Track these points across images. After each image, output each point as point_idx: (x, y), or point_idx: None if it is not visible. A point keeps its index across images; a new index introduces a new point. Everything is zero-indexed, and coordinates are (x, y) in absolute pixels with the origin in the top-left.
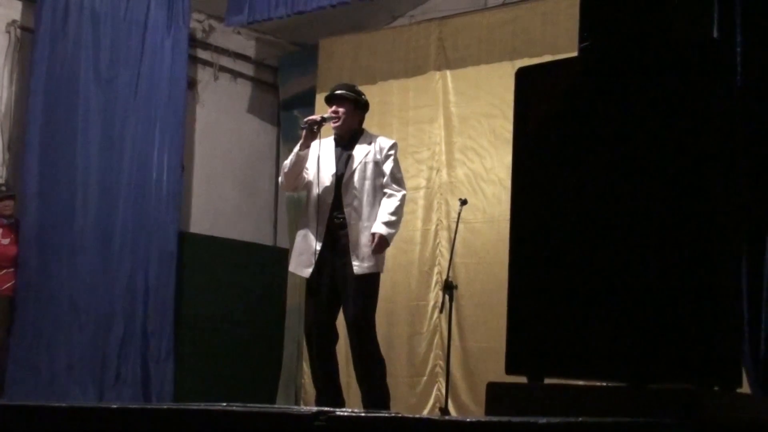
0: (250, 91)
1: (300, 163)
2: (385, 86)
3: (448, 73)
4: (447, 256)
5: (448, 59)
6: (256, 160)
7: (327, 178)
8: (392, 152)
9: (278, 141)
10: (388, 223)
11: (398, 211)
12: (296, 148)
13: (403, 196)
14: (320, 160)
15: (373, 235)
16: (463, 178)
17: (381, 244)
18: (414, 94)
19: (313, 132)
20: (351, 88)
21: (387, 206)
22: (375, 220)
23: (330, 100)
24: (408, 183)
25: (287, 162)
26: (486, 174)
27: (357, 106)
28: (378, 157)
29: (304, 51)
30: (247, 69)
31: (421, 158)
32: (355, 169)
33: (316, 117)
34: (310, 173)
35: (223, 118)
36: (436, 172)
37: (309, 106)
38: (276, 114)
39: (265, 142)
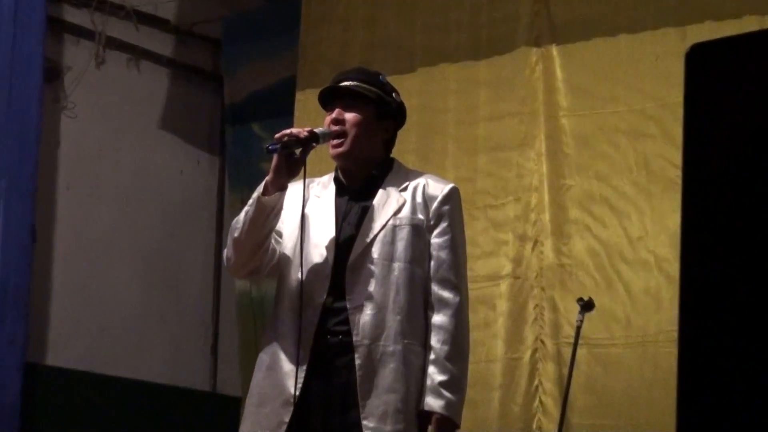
0: (166, 88)
1: (264, 221)
2: (432, 77)
3: (554, 50)
4: (555, 413)
5: (555, 24)
6: (179, 219)
7: (318, 252)
8: (448, 207)
9: (221, 183)
10: (448, 385)
11: (461, 349)
12: (257, 191)
13: (461, 307)
14: (306, 218)
15: (426, 416)
16: (586, 256)
17: (444, 430)
18: (489, 92)
19: (293, 160)
20: (372, 79)
21: (439, 343)
22: (410, 343)
23: (329, 98)
24: (477, 267)
25: (239, 220)
26: (631, 249)
27: (381, 112)
28: (420, 216)
29: (273, 8)
30: (161, 44)
31: (503, 219)
32: (375, 237)
33: (300, 131)
34: (285, 243)
35: (112, 138)
36: (531, 245)
37: (282, 115)
38: (217, 131)
39: (195, 186)
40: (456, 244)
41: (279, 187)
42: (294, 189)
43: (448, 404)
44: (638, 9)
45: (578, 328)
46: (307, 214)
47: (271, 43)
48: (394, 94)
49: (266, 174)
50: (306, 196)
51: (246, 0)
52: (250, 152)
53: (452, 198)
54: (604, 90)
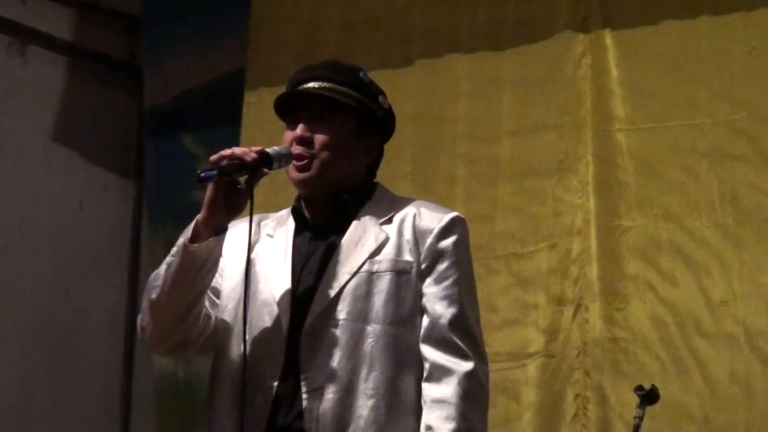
0: (61, 84)
1: (194, 277)
2: (436, 72)
3: (607, 37)
4: None
5: (610, 2)
6: (77, 270)
7: (268, 313)
8: (448, 243)
9: (136, 219)
10: None
11: (474, 428)
12: (184, 236)
13: (474, 374)
14: (253, 267)
15: None
16: (648, 327)
17: None
18: (515, 95)
19: (236, 192)
20: (350, 77)
21: (440, 419)
22: None
23: (288, 106)
24: (495, 340)
25: (158, 276)
26: (711, 318)
27: (364, 126)
28: (408, 257)
29: None
30: (56, 22)
31: (533, 273)
32: (342, 289)
33: (246, 151)
34: (224, 304)
35: None
36: (573, 310)
37: (224, 123)
38: (132, 145)
39: (100, 223)
40: (461, 293)
41: (215, 229)
42: (238, 230)
43: None
44: None
45: (636, 427)
46: (254, 261)
47: (211, 23)
48: (380, 98)
49: (200, 207)
50: (254, 239)
51: None
52: (178, 176)
53: (454, 229)
54: (677, 94)
